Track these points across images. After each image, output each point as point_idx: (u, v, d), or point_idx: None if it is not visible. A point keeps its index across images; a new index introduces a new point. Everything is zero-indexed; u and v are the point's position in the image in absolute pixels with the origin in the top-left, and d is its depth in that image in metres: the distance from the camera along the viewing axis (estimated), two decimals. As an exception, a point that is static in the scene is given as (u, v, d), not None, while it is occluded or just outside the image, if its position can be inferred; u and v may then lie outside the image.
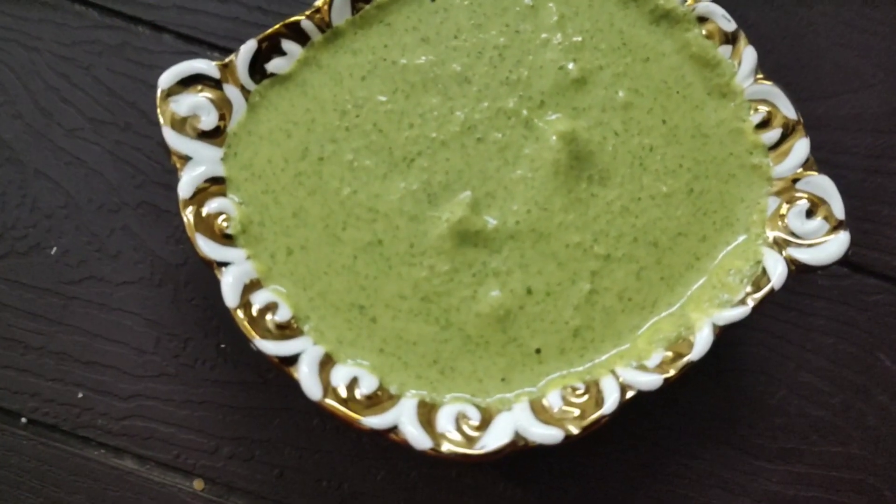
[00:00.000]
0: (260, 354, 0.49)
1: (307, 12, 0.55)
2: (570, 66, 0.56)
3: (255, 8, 0.65)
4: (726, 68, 0.56)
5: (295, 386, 0.49)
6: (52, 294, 0.59)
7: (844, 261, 0.53)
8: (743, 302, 0.51)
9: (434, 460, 0.54)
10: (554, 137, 0.54)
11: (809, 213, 0.53)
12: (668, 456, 0.58)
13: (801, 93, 0.57)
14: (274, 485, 0.57)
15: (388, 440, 0.48)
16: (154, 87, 0.53)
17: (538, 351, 0.52)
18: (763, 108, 0.55)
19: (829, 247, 0.52)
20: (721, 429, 0.59)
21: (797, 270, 0.52)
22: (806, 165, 0.54)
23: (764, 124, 0.55)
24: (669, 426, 0.59)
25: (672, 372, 0.49)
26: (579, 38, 0.57)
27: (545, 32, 0.57)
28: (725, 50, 0.56)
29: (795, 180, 0.54)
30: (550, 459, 0.58)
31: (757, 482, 0.58)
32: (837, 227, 0.53)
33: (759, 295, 0.51)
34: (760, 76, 0.56)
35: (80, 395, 0.58)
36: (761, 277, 0.52)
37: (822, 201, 0.53)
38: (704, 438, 0.58)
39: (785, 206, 0.54)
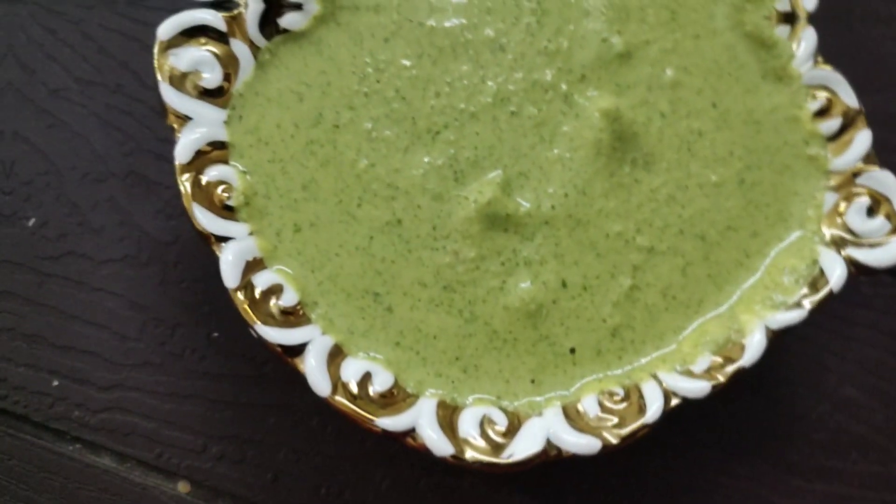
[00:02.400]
0: (259, 343, 0.44)
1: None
2: (615, 38, 0.50)
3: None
4: (783, 50, 0.51)
5: (293, 381, 0.44)
6: (27, 270, 0.54)
7: (892, 269, 0.48)
8: (798, 305, 0.46)
9: (451, 469, 0.49)
10: (596, 115, 0.48)
11: (870, 211, 0.48)
12: (701, 471, 0.53)
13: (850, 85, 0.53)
14: (267, 490, 0.51)
15: (400, 444, 0.43)
16: (149, 46, 0.48)
17: (572, 351, 0.46)
18: (822, 95, 0.51)
19: (893, 248, 0.47)
20: (758, 443, 0.54)
21: (857, 272, 0.47)
22: (867, 159, 0.49)
23: (822, 112, 0.50)
24: (703, 439, 0.54)
25: (721, 379, 0.44)
26: (625, 9, 0.51)
27: (590, 1, 0.51)
28: (783, 31, 0.51)
29: (855, 175, 0.49)
30: (572, 472, 0.53)
31: (794, 502, 0.53)
32: None
33: (816, 298, 0.46)
34: (820, 60, 0.51)
35: (55, 384, 0.52)
36: (819, 278, 0.47)
37: (885, 198, 0.48)
38: (740, 453, 0.54)
39: (843, 202, 0.49)
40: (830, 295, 0.46)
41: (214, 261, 0.45)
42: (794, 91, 0.51)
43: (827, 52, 0.53)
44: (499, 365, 0.46)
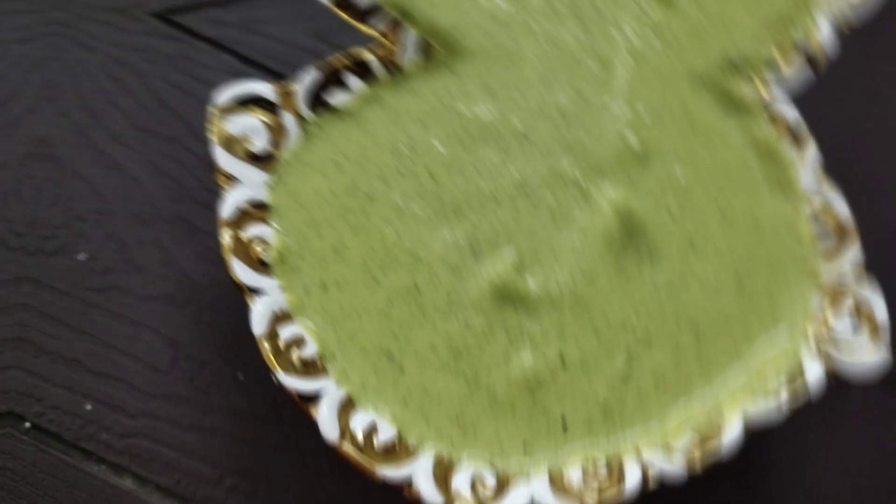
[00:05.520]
0: (279, 389, 0.50)
1: (375, 49, 0.56)
2: (634, 141, 0.56)
3: (319, 38, 0.66)
4: (789, 165, 0.56)
5: (308, 424, 0.50)
6: (73, 299, 0.60)
7: (883, 380, 0.53)
8: (778, 403, 0.51)
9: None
10: (609, 210, 0.54)
11: (855, 325, 0.53)
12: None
13: (854, 192, 0.57)
14: (274, 524, 0.57)
15: (399, 494, 0.49)
16: (206, 102, 0.54)
17: (564, 423, 0.52)
18: (820, 209, 0.56)
19: (871, 364, 0.52)
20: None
21: (835, 381, 0.52)
22: (857, 273, 0.54)
23: (819, 225, 0.56)
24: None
25: (698, 463, 0.50)
26: (647, 115, 0.57)
27: (613, 104, 0.57)
28: (790, 145, 0.57)
29: (845, 287, 0.54)
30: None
31: None
32: (881, 344, 0.53)
33: (793, 401, 0.51)
34: (823, 177, 0.56)
35: (88, 407, 0.58)
36: (799, 380, 0.52)
37: (869, 315, 0.53)
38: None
39: (831, 313, 0.54)
40: (809, 401, 0.51)
41: (246, 307, 0.51)
42: (796, 203, 0.56)
43: (840, 160, 0.57)
44: (495, 429, 0.51)
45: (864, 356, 0.52)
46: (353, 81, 0.56)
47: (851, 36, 0.58)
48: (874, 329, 0.53)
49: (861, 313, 0.53)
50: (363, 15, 0.56)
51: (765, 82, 0.58)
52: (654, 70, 0.58)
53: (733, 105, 0.58)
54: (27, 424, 0.57)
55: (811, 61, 0.57)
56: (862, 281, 0.54)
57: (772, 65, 0.58)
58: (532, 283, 0.53)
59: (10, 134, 0.63)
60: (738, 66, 0.58)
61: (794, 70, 0.58)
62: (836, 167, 0.57)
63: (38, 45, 0.65)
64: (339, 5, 0.56)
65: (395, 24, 0.56)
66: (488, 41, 0.57)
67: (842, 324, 0.53)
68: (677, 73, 0.58)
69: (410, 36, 0.56)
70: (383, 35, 0.56)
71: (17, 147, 0.63)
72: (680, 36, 0.58)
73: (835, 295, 0.54)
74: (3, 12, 0.66)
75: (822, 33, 0.57)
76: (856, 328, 0.53)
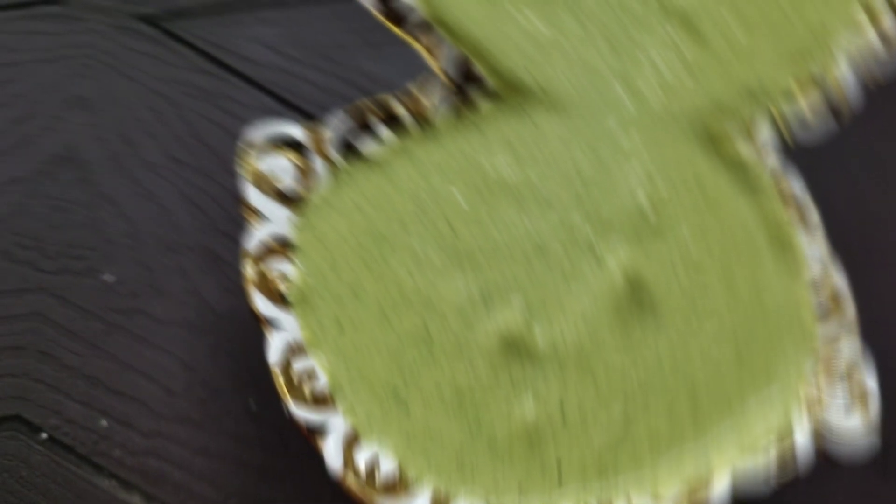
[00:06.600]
0: (289, 419, 0.53)
1: (406, 101, 0.59)
2: (649, 210, 0.59)
3: (353, 85, 0.69)
4: (797, 245, 0.59)
5: (314, 454, 0.52)
6: (97, 319, 0.62)
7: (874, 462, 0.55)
8: (767, 461, 0.54)
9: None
10: (619, 274, 0.57)
11: (847, 404, 0.56)
12: None
13: (856, 262, 0.59)
14: (275, 548, 0.59)
15: None
16: (237, 137, 0.57)
17: (560, 470, 0.55)
18: (819, 279, 0.58)
19: (859, 444, 0.55)
20: None
21: (824, 457, 0.55)
22: (853, 356, 0.57)
23: (817, 295, 0.58)
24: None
25: None
26: (663, 187, 0.59)
27: (631, 173, 0.59)
28: (798, 224, 0.59)
29: (839, 358, 0.57)
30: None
31: None
32: (870, 421, 0.55)
33: (782, 464, 0.54)
34: (825, 250, 0.59)
35: (104, 424, 0.60)
36: (788, 440, 0.55)
37: (862, 395, 0.56)
38: None
39: (827, 389, 0.56)
40: (797, 476, 0.54)
41: (262, 339, 0.54)
42: (801, 282, 0.59)
43: (846, 234, 0.60)
44: (493, 472, 0.54)
45: (854, 434, 0.55)
46: (383, 131, 0.58)
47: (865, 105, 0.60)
48: (864, 406, 0.55)
49: (853, 389, 0.56)
50: (403, 22, 0.58)
51: (785, 122, 0.60)
52: (677, 100, 0.60)
53: (745, 181, 0.60)
54: (44, 435, 0.60)
55: (834, 112, 0.60)
56: (857, 356, 0.57)
57: (791, 100, 0.60)
58: (539, 338, 0.56)
59: (28, 151, 0.67)
60: (757, 98, 0.60)
61: (814, 112, 0.60)
62: (839, 236, 0.59)
63: (58, 67, 0.69)
64: (384, 14, 0.58)
65: (438, 41, 0.58)
66: (523, 59, 0.59)
67: (833, 398, 0.56)
68: (699, 106, 0.60)
69: (449, 56, 0.59)
70: (426, 49, 0.59)
71: (33, 164, 0.66)
72: (704, 65, 0.60)
73: (832, 369, 0.57)
74: (22, 33, 0.70)
75: (842, 74, 0.59)
76: (847, 407, 0.55)
